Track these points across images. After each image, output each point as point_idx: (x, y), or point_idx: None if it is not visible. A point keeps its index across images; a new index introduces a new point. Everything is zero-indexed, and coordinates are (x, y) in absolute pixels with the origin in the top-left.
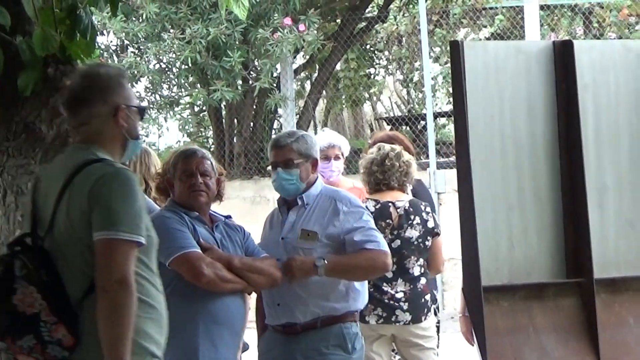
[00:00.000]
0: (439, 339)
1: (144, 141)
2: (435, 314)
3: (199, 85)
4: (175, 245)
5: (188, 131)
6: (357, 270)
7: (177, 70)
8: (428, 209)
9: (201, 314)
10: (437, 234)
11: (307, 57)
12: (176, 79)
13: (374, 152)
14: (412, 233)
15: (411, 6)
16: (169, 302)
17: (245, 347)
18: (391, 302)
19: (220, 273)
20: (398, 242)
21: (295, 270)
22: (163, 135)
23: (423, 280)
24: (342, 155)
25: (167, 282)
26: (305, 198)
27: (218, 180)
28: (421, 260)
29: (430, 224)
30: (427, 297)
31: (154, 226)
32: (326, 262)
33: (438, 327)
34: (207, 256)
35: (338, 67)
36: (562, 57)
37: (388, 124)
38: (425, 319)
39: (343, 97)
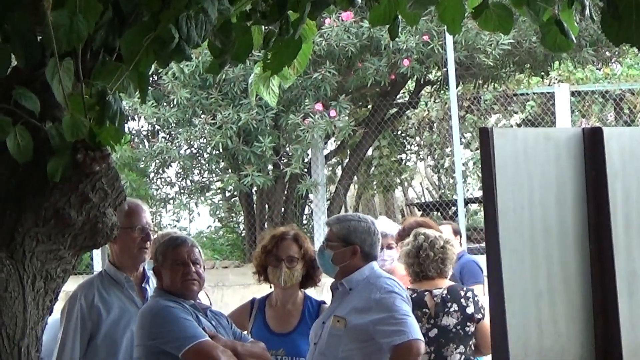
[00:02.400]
0: None
1: (175, 226)
2: None
3: (230, 170)
4: (187, 335)
5: (219, 216)
6: None
7: (208, 155)
8: (469, 294)
9: None
10: (480, 319)
11: (338, 142)
12: (207, 164)
13: (409, 243)
14: (449, 321)
15: (442, 92)
16: None
17: None
18: None
19: None
20: (435, 330)
21: None
22: (194, 220)
23: None
24: (393, 239)
25: None
26: (346, 283)
27: (311, 264)
28: (461, 347)
29: (470, 310)
30: None
31: (157, 316)
32: None
33: None
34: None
35: (369, 152)
36: (592, 144)
37: (419, 210)
38: None
39: (374, 182)
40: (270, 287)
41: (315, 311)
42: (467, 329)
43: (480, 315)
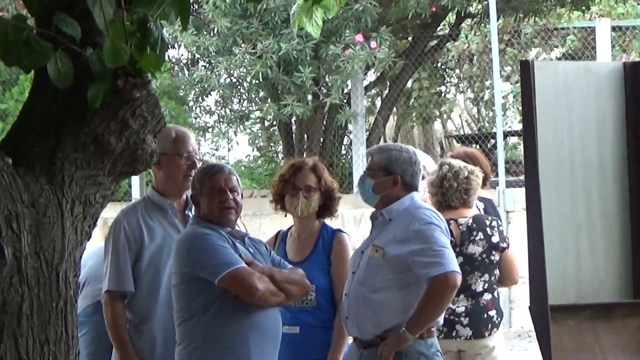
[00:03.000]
0: None
1: (214, 155)
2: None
3: (269, 100)
4: (223, 262)
5: (258, 145)
6: (435, 309)
7: (248, 84)
8: (494, 224)
9: (250, 329)
10: (504, 248)
11: (378, 74)
12: (247, 94)
13: (434, 173)
14: (475, 249)
15: (483, 25)
16: (215, 320)
17: None
18: (451, 317)
19: (270, 287)
20: (460, 259)
21: (390, 353)
22: (233, 149)
23: (487, 296)
24: (427, 174)
25: (212, 299)
26: (385, 213)
27: (328, 195)
28: (486, 276)
29: (495, 239)
30: (492, 312)
31: (195, 243)
32: (406, 327)
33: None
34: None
35: (409, 84)
36: (633, 78)
37: (458, 142)
38: (489, 334)
39: (414, 114)
40: (286, 216)
41: (329, 240)
42: (492, 257)
43: (505, 245)
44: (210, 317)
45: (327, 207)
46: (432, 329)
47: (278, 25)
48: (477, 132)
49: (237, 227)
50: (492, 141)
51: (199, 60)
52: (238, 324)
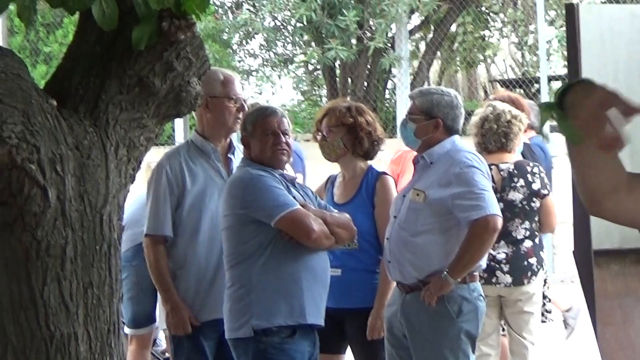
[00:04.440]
0: (545, 305)
1: (257, 99)
2: (545, 281)
3: (313, 43)
4: (279, 204)
5: (302, 89)
6: (476, 253)
7: (292, 28)
8: (535, 170)
9: (303, 271)
10: (545, 195)
11: (422, 17)
12: (291, 37)
13: (478, 114)
14: (516, 196)
15: None
16: (268, 262)
17: None
18: (492, 263)
19: (324, 229)
20: (501, 205)
21: (433, 298)
22: (277, 93)
23: (528, 243)
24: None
25: (266, 242)
26: (427, 157)
27: (355, 133)
28: (527, 223)
29: (536, 186)
30: (532, 260)
31: (249, 185)
32: (447, 271)
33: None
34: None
35: (453, 28)
36: None
37: (502, 86)
38: (528, 282)
39: (457, 58)
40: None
41: (373, 183)
42: (532, 204)
43: (545, 192)
44: (264, 260)
45: (358, 143)
46: (475, 274)
47: None
48: (521, 77)
49: (285, 170)
50: (537, 85)
51: (243, 3)
52: (291, 267)
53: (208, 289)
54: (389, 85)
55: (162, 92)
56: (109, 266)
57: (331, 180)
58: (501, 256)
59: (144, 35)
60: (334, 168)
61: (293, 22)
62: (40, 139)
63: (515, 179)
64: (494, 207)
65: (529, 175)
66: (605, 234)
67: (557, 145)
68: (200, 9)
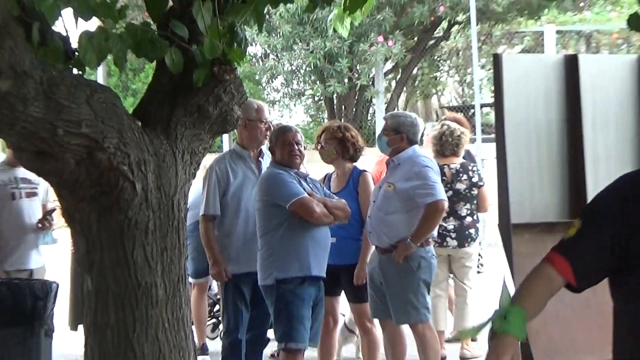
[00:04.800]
0: (480, 260)
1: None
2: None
3: (318, 82)
4: (292, 193)
5: (310, 114)
6: (430, 226)
7: (303, 71)
8: (474, 168)
9: (309, 240)
10: (481, 186)
11: (393, 64)
12: (302, 78)
13: (437, 129)
14: (461, 186)
15: (466, 29)
16: (285, 233)
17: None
18: (443, 232)
19: (324, 211)
20: (451, 192)
21: (400, 257)
22: (293, 117)
23: (469, 219)
24: (426, 134)
25: (283, 219)
26: (395, 160)
27: (344, 144)
28: (468, 205)
29: (475, 179)
30: (471, 230)
31: (272, 180)
32: (410, 239)
33: (480, 255)
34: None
35: (415, 71)
36: (570, 66)
37: (449, 111)
38: (468, 245)
39: (418, 92)
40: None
41: (357, 178)
42: (472, 192)
43: (482, 184)
44: (282, 231)
45: (346, 151)
46: (429, 240)
47: (325, 29)
48: (461, 104)
49: (301, 170)
50: (472, 110)
51: (269, 54)
52: (301, 236)
53: (245, 250)
54: (370, 111)
55: (214, 116)
56: (178, 236)
57: (328, 177)
58: (450, 227)
59: (201, 76)
60: (330, 168)
61: (304, 67)
62: (129, 148)
63: (461, 175)
64: (442, 195)
65: (470, 172)
66: (520, 211)
67: (487, 151)
68: (240, 58)
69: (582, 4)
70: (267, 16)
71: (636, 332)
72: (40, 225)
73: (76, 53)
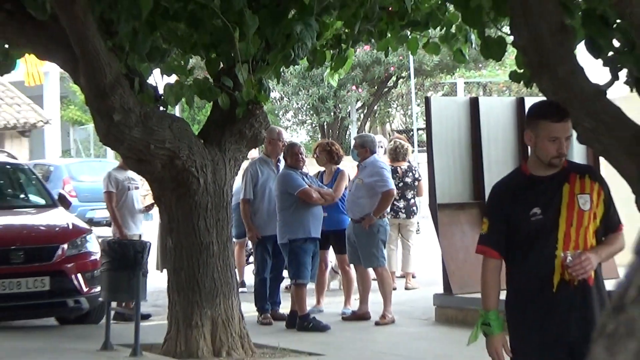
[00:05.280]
0: (418, 226)
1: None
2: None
3: (314, 114)
4: (298, 185)
5: (310, 135)
6: (384, 205)
7: (306, 108)
8: (415, 169)
9: (310, 215)
10: (419, 180)
11: (362, 103)
12: (305, 112)
13: (391, 144)
14: (408, 180)
15: (408, 81)
16: (295, 211)
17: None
18: (397, 209)
19: (318, 196)
20: (401, 184)
21: (366, 225)
22: (298, 137)
23: (412, 201)
24: (383, 146)
25: (293, 201)
26: (363, 164)
27: (330, 154)
28: (412, 192)
29: (416, 176)
30: (414, 208)
31: (286, 177)
32: (372, 213)
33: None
34: (312, 189)
35: (375, 107)
36: (474, 105)
37: (397, 133)
38: (413, 217)
39: (377, 121)
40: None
41: (336, 176)
42: (415, 184)
43: (420, 178)
44: (292, 209)
45: (332, 158)
46: (384, 213)
47: (319, 81)
48: (405, 128)
49: (304, 170)
50: (412, 132)
51: (283, 97)
52: (304, 213)
53: (269, 221)
54: (347, 133)
55: (248, 136)
56: (226, 212)
57: (320, 174)
58: (401, 206)
59: (241, 111)
60: (321, 169)
61: (306, 105)
62: (196, 157)
63: (407, 173)
64: (392, 185)
65: (413, 171)
66: (442, 195)
67: (422, 158)
68: (264, 100)
69: (480, 65)
70: (282, 73)
71: (519, 267)
72: (145, 209)
73: (162, 97)
